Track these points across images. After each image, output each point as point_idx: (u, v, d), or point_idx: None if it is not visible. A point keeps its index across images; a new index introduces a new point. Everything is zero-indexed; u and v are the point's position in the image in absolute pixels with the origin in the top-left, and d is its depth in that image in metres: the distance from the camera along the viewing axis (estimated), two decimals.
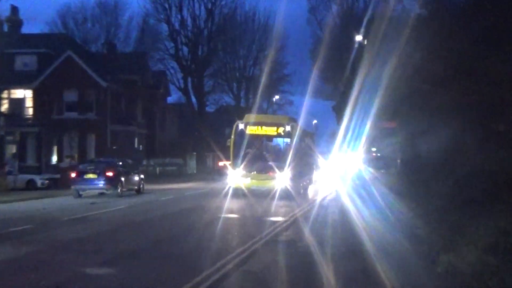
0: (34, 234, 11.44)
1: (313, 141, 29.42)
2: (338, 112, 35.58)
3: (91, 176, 21.74)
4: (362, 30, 30.44)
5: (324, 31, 37.01)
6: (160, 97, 47.69)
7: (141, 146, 42.21)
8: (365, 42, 28.01)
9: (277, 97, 53.28)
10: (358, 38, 31.34)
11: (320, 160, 29.63)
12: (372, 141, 28.67)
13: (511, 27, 7.75)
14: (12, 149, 32.83)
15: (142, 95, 42.33)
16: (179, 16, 45.21)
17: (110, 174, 21.46)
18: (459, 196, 10.30)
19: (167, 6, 44.18)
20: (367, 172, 26.64)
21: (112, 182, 21.48)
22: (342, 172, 29.89)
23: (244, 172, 20.05)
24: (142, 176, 25.13)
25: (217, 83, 50.63)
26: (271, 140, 22.25)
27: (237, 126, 20.85)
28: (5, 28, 34.13)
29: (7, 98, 35.42)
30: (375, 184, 20.69)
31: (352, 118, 25.06)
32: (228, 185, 20.32)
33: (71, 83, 35.88)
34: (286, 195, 19.27)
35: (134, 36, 47.86)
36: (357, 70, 25.23)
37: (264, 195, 19.35)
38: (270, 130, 20.79)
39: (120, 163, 23.57)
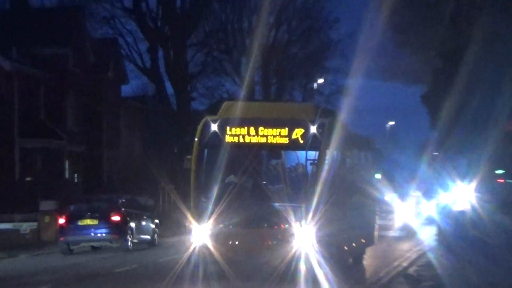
0: None
1: (376, 159, 18.31)
2: (432, 105, 25.36)
3: (88, 222, 17.96)
4: None
5: None
6: (109, 86, 31.48)
7: (76, 175, 28.16)
8: None
9: (320, 80, 36.98)
10: None
11: (390, 196, 19.59)
12: (497, 159, 19.07)
13: None
14: None
15: (76, 83, 28.46)
16: None
17: (116, 218, 17.90)
18: None
19: None
20: (486, 213, 16.46)
21: (119, 230, 17.80)
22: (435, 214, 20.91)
23: (219, 226, 10.91)
24: (157, 221, 20.79)
25: (211, 57, 32.18)
26: (278, 156, 12.28)
27: (206, 128, 11.38)
28: None
29: None
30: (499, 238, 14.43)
31: (460, 116, 18.80)
32: (188, 252, 11.01)
33: None
34: (310, 274, 10.12)
35: None
36: (470, 28, 18.84)
37: (262, 276, 10.75)
38: (275, 135, 11.08)
39: (125, 200, 19.70)
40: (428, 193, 24.70)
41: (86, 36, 29.09)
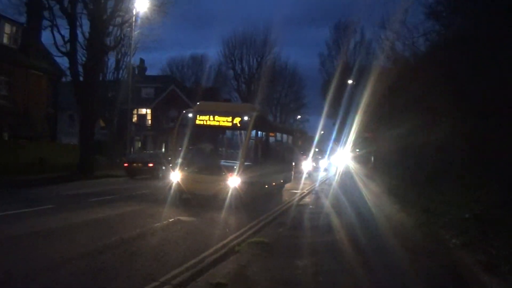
0: None
1: (299, 138, 31.07)
2: (338, 126, 47.45)
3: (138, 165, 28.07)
4: (352, 76, 44.98)
5: (329, 76, 57.07)
6: None
7: None
8: (354, 83, 41.84)
9: (299, 116, 79.06)
10: (350, 81, 45.26)
11: (302, 156, 33.50)
12: (357, 145, 39.50)
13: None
14: (139, 144, 54.94)
15: None
16: (240, 66, 66.36)
17: (151, 164, 27.86)
18: (408, 179, 16.21)
19: (233, 59, 66.00)
20: (352, 165, 38.83)
21: (152, 170, 27.74)
22: (337, 164, 43.44)
23: (186, 172, 15.92)
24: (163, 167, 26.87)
25: (262, 107, 63.84)
26: (226, 133, 19.66)
27: (184, 115, 16.88)
28: (136, 71, 50.62)
29: (136, 114, 54.96)
30: (356, 172, 32.69)
31: (345, 130, 35.62)
32: (168, 187, 16.27)
33: (174, 105, 50.00)
34: (238, 202, 15.23)
35: (212, 77, 66.82)
36: (349, 100, 37.94)
37: (210, 202, 15.44)
38: (224, 121, 16.39)
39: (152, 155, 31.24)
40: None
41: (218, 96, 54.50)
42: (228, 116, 16.03)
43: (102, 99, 36.63)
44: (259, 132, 17.12)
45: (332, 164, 55.26)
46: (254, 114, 16.16)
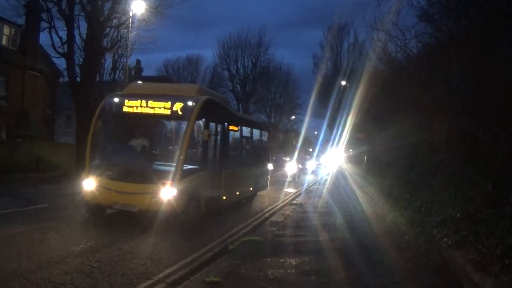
0: None
1: (272, 133, 24.80)
2: (330, 127, 50.46)
3: None
4: (345, 77, 44.48)
5: (322, 77, 58.02)
6: None
7: None
8: (347, 84, 41.00)
9: (293, 117, 79.15)
10: (343, 82, 44.63)
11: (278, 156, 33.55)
12: (350, 145, 41.52)
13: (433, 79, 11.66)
14: None
15: None
16: (235, 67, 66.74)
17: None
18: (401, 179, 15.78)
19: (228, 60, 66.57)
20: (345, 165, 42.02)
21: None
22: (330, 164, 46.69)
23: (102, 179, 11.18)
24: None
25: (257, 107, 70.62)
26: (166, 125, 14.07)
27: (108, 101, 12.24)
28: (132, 72, 46.23)
29: None
30: (350, 172, 34.30)
31: (338, 130, 36.88)
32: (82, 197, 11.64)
33: None
34: (174, 224, 10.81)
35: (208, 78, 66.30)
36: (341, 101, 37.54)
37: (135, 223, 10.94)
38: (161, 107, 11.56)
39: None
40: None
41: None
42: (166, 101, 11.39)
43: (99, 99, 36.45)
44: (211, 124, 12.52)
45: (322, 166, 54.41)
46: (203, 98, 11.79)
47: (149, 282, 6.87)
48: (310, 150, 69.34)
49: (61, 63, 29.87)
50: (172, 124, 13.51)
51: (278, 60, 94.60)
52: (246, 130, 17.17)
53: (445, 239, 7.71)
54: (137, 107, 11.59)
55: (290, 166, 32.31)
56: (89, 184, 11.16)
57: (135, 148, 12.43)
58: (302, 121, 75.54)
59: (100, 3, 26.85)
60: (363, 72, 21.72)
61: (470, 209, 7.67)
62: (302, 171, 38.38)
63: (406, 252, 9.03)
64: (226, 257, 8.54)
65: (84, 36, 27.57)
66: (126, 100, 11.74)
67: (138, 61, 55.40)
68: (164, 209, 10.45)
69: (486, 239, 6.53)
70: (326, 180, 33.34)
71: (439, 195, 10.05)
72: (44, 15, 27.13)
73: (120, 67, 41.98)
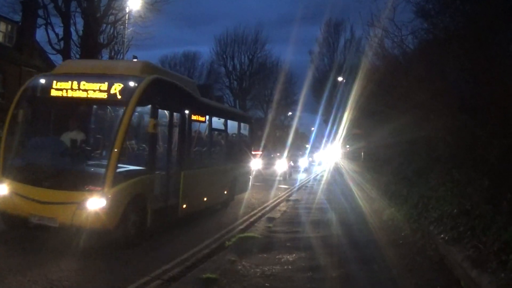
0: None
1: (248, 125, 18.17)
2: (326, 122, 51.12)
3: None
4: (341, 73, 44.10)
5: (319, 73, 59.33)
6: None
7: None
8: (343, 80, 40.34)
9: (290, 113, 77.82)
10: (339, 78, 44.32)
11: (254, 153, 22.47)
12: (346, 142, 40.03)
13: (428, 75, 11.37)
14: None
15: None
16: (232, 63, 66.59)
17: None
18: (398, 175, 15.40)
19: (224, 56, 66.40)
20: (342, 160, 40.95)
21: None
22: (326, 160, 46.91)
23: (17, 182, 8.46)
24: None
25: (254, 103, 70.91)
26: (102, 114, 10.73)
27: (32, 84, 9.43)
28: None
29: None
30: (346, 168, 32.53)
31: (334, 126, 37.14)
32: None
33: None
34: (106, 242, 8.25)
35: (204, 74, 68.16)
36: (338, 97, 37.28)
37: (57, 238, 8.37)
38: (95, 89, 8.82)
39: None
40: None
41: (212, 94, 51.31)
42: (102, 82, 8.78)
43: None
44: (164, 111, 10.11)
45: (316, 163, 53.61)
46: (149, 78, 9.23)
47: None
48: (307, 146, 68.88)
49: (57, 59, 29.67)
50: (110, 111, 10.38)
51: (275, 56, 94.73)
52: (219, 122, 14.08)
53: (442, 235, 7.67)
54: (67, 90, 8.87)
55: (280, 164, 30.96)
56: (2, 189, 8.53)
57: (65, 143, 9.52)
58: (299, 117, 76.19)
59: None
60: (360, 68, 21.62)
61: (467, 205, 7.63)
62: (293, 169, 36.16)
63: (402, 248, 9.00)
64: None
65: (81, 32, 27.49)
66: (54, 82, 9.02)
67: (135, 58, 55.61)
68: (91, 224, 7.82)
69: (482, 235, 6.50)
70: (321, 177, 32.08)
71: (436, 191, 10.00)
72: (40, 12, 27.02)
73: None
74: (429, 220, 8.84)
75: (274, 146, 52.10)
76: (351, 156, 38.31)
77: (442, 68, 11.39)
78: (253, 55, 67.15)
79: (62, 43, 26.76)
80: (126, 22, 29.29)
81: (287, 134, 75.33)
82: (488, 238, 6.27)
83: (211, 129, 13.47)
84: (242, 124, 16.89)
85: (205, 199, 12.59)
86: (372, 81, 18.79)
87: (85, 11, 26.45)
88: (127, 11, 28.48)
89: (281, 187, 23.51)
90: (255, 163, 22.07)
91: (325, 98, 48.45)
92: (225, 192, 14.55)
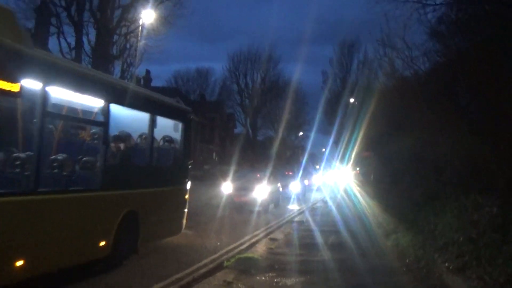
0: None
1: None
2: (337, 144, 48.45)
3: None
4: (353, 95, 43.66)
5: (331, 94, 60.34)
6: (230, 129, 71.64)
7: (216, 158, 59.44)
8: (355, 102, 40.23)
9: (301, 133, 76.87)
10: (351, 100, 43.78)
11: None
12: (356, 163, 40.50)
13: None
14: None
15: (219, 127, 63.23)
16: (244, 81, 67.28)
17: None
18: (405, 198, 15.44)
19: (237, 74, 67.28)
20: (353, 182, 36.90)
21: None
22: (338, 181, 42.09)
23: None
24: None
25: (265, 122, 70.83)
26: None
27: None
28: (142, 82, 44.65)
29: None
30: (357, 189, 30.31)
31: (345, 148, 36.63)
32: None
33: None
34: None
35: (217, 91, 68.63)
36: (349, 119, 36.73)
37: None
38: None
39: None
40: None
41: (224, 111, 66.94)
42: None
43: None
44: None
45: (327, 184, 45.46)
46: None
47: None
48: (317, 167, 66.93)
49: None
50: None
51: (288, 75, 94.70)
52: (89, 107, 7.92)
53: (447, 264, 7.32)
54: None
55: (295, 185, 27.75)
56: None
57: None
58: (309, 137, 72.62)
59: (109, 10, 26.89)
60: (371, 90, 21.45)
61: (473, 233, 7.29)
62: (307, 187, 34.07)
63: (406, 275, 8.64)
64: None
65: (93, 42, 27.59)
66: None
67: (148, 71, 55.47)
68: None
69: (488, 265, 6.15)
70: (335, 198, 28.89)
71: (443, 217, 9.66)
72: (53, 20, 27.18)
73: (128, 76, 42.06)
74: (434, 247, 8.50)
75: (286, 166, 46.97)
76: (361, 178, 37.27)
77: (452, 90, 11.19)
78: (265, 73, 67.43)
79: (73, 52, 26.84)
80: (139, 34, 29.48)
81: (297, 154, 74.86)
82: (494, 269, 5.93)
83: (78, 118, 8.09)
84: (172, 121, 10.58)
85: (49, 256, 6.50)
86: (383, 103, 18.70)
87: (97, 22, 26.61)
88: (140, 23, 28.66)
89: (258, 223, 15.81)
90: (263, 190, 18.83)
91: (336, 119, 47.95)
92: (103, 243, 7.72)
